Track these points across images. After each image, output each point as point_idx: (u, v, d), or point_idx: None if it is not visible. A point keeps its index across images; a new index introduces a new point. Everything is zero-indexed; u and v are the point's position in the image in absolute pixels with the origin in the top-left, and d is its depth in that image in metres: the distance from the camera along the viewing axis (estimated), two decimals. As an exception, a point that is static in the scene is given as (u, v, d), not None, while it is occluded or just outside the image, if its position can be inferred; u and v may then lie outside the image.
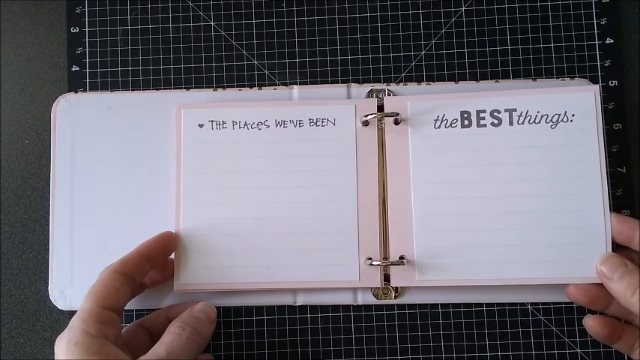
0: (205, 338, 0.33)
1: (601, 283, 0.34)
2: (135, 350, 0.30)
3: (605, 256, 0.34)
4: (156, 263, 0.35)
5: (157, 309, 0.37)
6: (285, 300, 0.37)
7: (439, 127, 0.37)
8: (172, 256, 0.36)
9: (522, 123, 0.36)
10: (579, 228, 0.35)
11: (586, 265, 0.35)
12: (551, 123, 0.36)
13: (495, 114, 0.36)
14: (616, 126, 0.38)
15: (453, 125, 0.37)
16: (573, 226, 0.35)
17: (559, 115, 0.36)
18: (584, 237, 0.35)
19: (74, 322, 0.30)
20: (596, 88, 0.36)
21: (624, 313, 0.35)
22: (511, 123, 0.36)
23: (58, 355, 0.29)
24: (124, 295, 0.32)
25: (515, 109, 0.36)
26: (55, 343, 0.30)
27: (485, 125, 0.36)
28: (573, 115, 0.36)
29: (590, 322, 0.35)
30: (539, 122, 0.36)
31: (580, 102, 0.36)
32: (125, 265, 0.32)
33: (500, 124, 0.36)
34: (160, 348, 0.29)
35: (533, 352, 0.36)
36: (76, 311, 0.30)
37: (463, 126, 0.36)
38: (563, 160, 0.36)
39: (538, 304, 0.37)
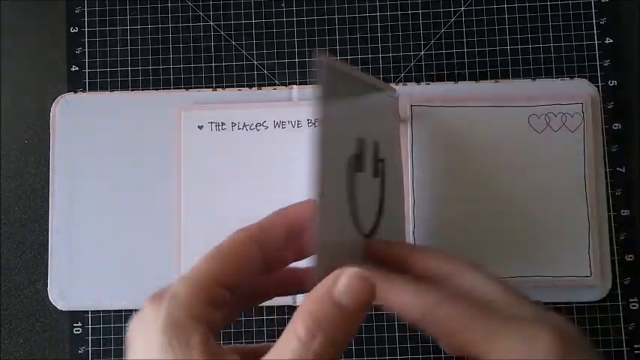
0: (348, 338, 0.21)
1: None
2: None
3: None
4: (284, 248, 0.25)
5: None
6: (285, 300, 0.37)
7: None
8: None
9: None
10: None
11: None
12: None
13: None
14: (615, 126, 0.38)
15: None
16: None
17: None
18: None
19: (180, 287, 0.21)
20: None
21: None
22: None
23: (148, 326, 0.21)
24: (251, 273, 0.23)
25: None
26: (144, 304, 0.22)
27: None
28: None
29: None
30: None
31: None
32: (264, 234, 0.24)
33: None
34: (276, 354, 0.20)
35: (533, 352, 0.36)
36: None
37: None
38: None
39: (538, 304, 0.37)
